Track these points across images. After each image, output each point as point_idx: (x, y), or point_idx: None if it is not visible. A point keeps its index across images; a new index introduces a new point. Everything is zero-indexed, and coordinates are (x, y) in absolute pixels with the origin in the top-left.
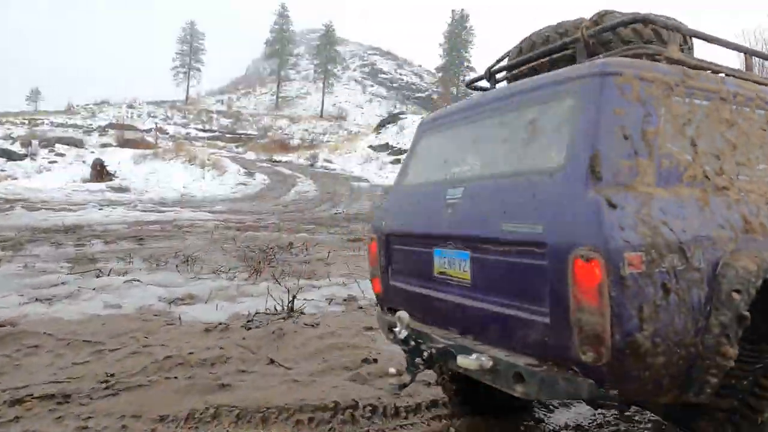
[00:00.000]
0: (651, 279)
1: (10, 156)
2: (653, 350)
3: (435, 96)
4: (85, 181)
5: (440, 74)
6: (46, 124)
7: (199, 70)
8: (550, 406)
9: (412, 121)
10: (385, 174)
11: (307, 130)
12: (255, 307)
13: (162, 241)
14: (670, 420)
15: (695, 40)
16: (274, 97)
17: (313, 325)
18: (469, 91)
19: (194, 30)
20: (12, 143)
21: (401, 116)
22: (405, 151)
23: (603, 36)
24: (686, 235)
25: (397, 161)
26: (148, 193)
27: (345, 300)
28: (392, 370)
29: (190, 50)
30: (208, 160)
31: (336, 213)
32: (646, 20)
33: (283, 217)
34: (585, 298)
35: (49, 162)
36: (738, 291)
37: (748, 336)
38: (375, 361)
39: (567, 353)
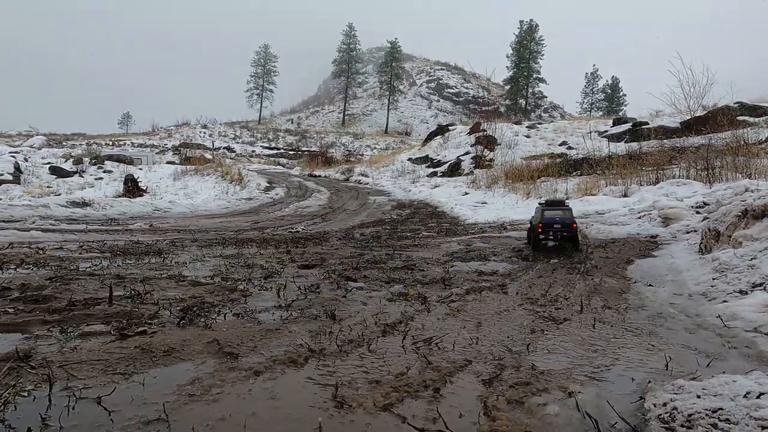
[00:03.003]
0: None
1: (60, 173)
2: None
3: (502, 109)
4: (117, 196)
5: (508, 86)
6: (127, 144)
7: (271, 91)
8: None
9: (459, 132)
10: (416, 189)
11: (369, 146)
12: None
13: None
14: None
15: None
16: (341, 114)
17: None
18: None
19: (268, 53)
20: (65, 161)
21: (450, 128)
22: (444, 163)
23: None
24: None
25: (434, 174)
26: (113, 208)
27: None
28: None
29: (264, 72)
30: (238, 175)
31: (294, 231)
32: None
33: (212, 236)
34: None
35: (96, 179)
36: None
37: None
38: None
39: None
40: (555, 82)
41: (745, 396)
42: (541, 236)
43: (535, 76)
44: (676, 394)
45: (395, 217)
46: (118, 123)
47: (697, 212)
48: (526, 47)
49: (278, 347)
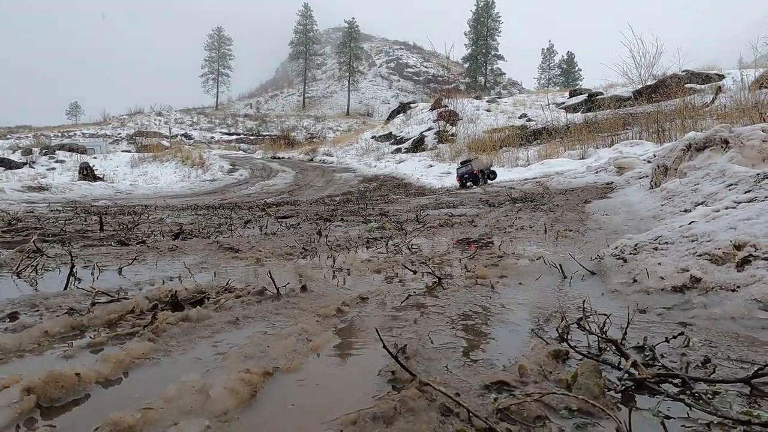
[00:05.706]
0: None
1: (8, 165)
2: None
3: (462, 87)
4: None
5: (467, 64)
6: (78, 135)
7: (228, 75)
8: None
9: (421, 109)
10: (381, 164)
11: (331, 128)
12: None
13: None
14: None
15: None
16: (301, 97)
17: None
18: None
19: (221, 36)
20: (12, 152)
21: (412, 105)
22: (408, 139)
23: None
24: None
25: (398, 150)
26: (73, 191)
27: None
28: None
29: (218, 56)
30: (199, 158)
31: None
32: None
33: (183, 207)
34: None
35: (48, 169)
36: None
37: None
38: None
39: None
40: (513, 59)
41: (680, 226)
42: (464, 180)
43: (493, 53)
44: (627, 240)
45: (363, 189)
46: (66, 114)
47: (649, 162)
48: (484, 24)
49: (274, 247)
